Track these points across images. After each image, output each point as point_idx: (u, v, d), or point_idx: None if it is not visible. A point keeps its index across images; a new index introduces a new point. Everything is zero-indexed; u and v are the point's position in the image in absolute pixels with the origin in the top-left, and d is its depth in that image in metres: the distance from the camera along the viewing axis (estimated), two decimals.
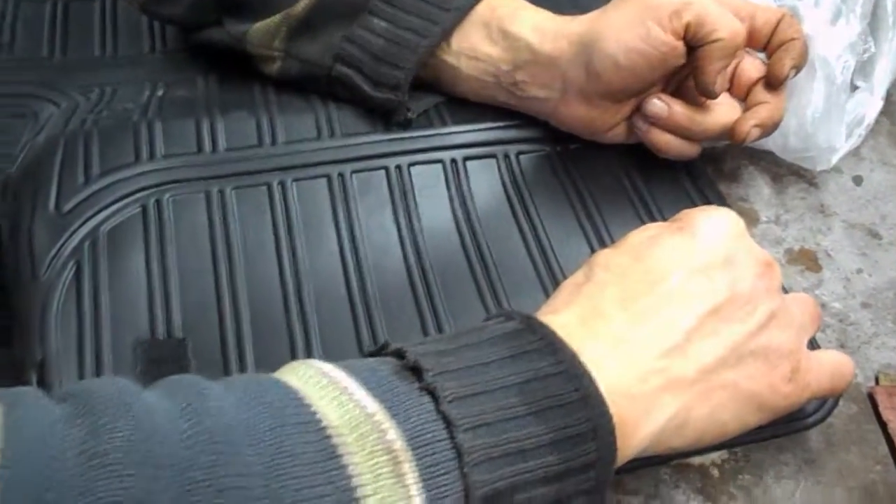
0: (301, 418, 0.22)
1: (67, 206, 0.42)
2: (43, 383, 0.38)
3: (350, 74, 0.45)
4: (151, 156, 0.44)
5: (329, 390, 0.23)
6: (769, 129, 0.43)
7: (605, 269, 0.31)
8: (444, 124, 0.47)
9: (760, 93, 0.43)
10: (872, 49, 0.48)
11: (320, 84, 0.47)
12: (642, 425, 0.28)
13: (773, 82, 0.43)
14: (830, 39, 0.44)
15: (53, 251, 0.40)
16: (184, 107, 0.47)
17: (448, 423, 0.23)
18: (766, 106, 0.43)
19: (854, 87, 0.49)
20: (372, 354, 0.27)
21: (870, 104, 0.48)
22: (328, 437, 0.22)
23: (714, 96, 0.42)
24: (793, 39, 0.43)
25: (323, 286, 0.41)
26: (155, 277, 0.41)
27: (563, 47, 0.42)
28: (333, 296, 0.41)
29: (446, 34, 0.44)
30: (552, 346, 0.27)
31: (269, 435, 0.21)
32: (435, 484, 0.22)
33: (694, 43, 0.40)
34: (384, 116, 0.46)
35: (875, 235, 0.45)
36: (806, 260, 0.44)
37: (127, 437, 0.19)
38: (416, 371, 0.25)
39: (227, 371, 0.39)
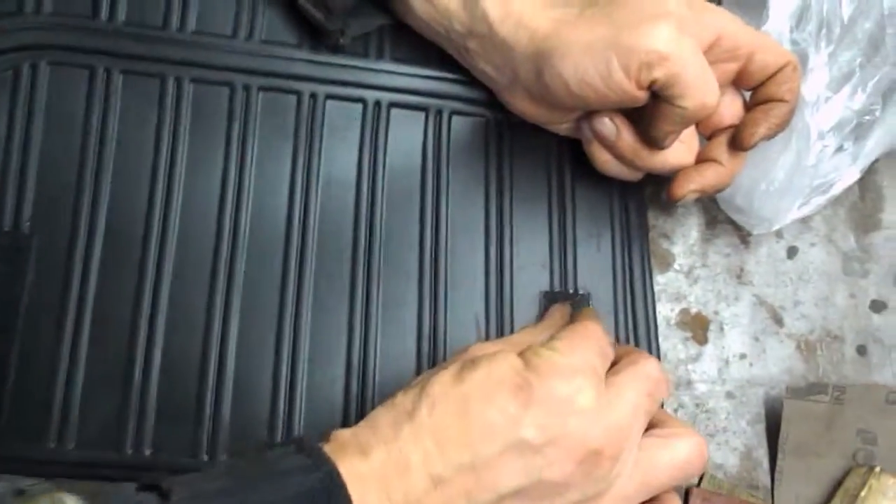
0: None
1: None
2: None
3: None
4: (38, 9, 0.41)
5: None
6: (710, 195, 0.41)
7: (431, 410, 0.31)
8: (380, 57, 0.44)
9: (719, 146, 0.41)
10: (878, 113, 0.44)
11: None
12: None
13: (736, 144, 0.40)
14: (823, 113, 0.41)
15: None
16: None
17: None
18: (716, 170, 0.40)
19: (838, 147, 0.45)
20: (155, 487, 0.28)
21: (846, 173, 0.45)
22: None
23: (660, 149, 0.39)
24: (780, 101, 0.39)
25: (192, 212, 0.41)
26: (13, 155, 0.40)
27: (521, 40, 0.38)
28: (201, 229, 0.42)
29: None
30: None
31: None
32: None
33: (657, 93, 0.36)
34: (313, 32, 0.42)
35: (778, 321, 0.45)
36: (696, 328, 0.44)
37: None
38: None
39: (67, 279, 0.39)
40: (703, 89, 0.36)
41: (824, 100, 0.42)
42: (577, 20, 0.38)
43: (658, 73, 0.36)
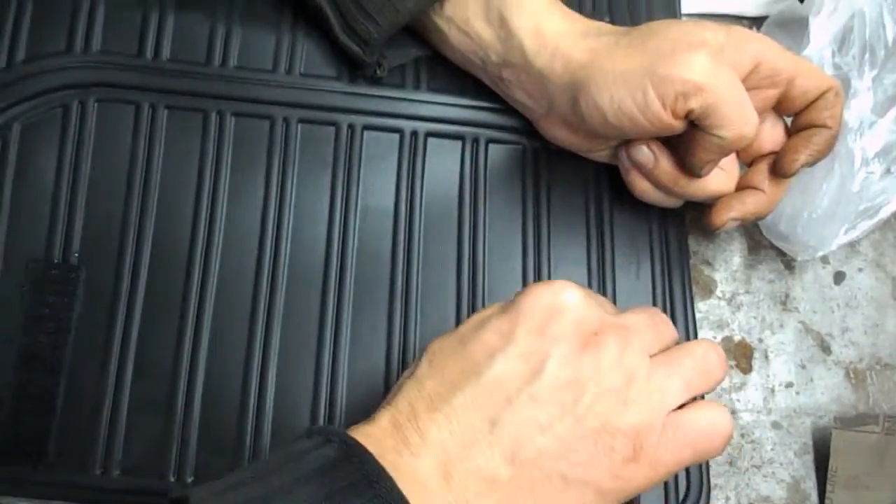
0: None
1: None
2: None
3: (323, 5, 0.42)
4: (86, 48, 0.43)
5: None
6: (751, 222, 0.41)
7: (430, 361, 0.33)
8: (417, 88, 0.45)
9: (760, 173, 0.40)
10: None
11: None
12: None
13: (777, 171, 0.39)
14: (867, 138, 0.40)
15: None
16: None
17: None
18: (757, 197, 0.40)
19: (885, 171, 0.44)
20: (176, 501, 0.29)
21: (894, 197, 0.44)
22: None
23: (698, 177, 0.39)
24: (822, 127, 0.39)
25: (234, 244, 0.43)
26: (63, 189, 0.42)
27: (556, 70, 0.39)
28: (242, 258, 0.42)
29: None
30: (368, 478, 0.28)
31: None
32: None
33: (694, 123, 0.36)
34: (351, 65, 0.43)
35: (825, 349, 0.44)
36: (740, 356, 0.43)
37: None
38: None
39: (113, 309, 0.40)
40: (740, 119, 0.36)
41: (868, 125, 0.41)
42: (612, 49, 0.38)
43: (694, 104, 0.36)
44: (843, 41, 0.43)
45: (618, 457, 0.31)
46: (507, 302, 0.34)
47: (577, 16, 0.41)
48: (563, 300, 0.32)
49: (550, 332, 0.31)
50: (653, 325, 0.34)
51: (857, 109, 0.42)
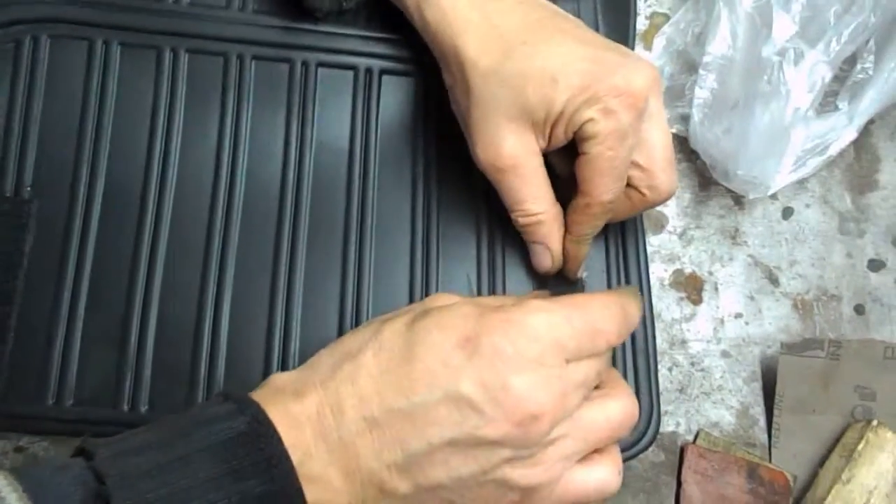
0: None
1: None
2: None
3: None
4: None
5: None
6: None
7: (377, 353, 0.32)
8: (369, 26, 0.45)
9: None
10: (871, 72, 0.45)
11: None
12: None
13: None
14: (793, 71, 0.41)
15: None
16: None
17: None
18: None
19: (834, 106, 0.46)
20: (81, 452, 0.29)
21: (842, 133, 0.45)
22: None
23: None
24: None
25: (188, 179, 0.43)
26: (15, 124, 0.42)
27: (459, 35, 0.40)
28: (197, 195, 0.43)
29: None
30: (270, 461, 0.29)
31: None
32: None
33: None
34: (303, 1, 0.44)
35: (773, 281, 0.45)
36: (690, 288, 0.44)
37: None
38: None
39: (66, 242, 0.40)
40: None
41: (796, 56, 0.42)
42: (491, 74, 0.39)
43: None
44: None
45: (506, 501, 0.32)
46: (473, 319, 0.32)
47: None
48: (523, 366, 0.31)
49: (496, 392, 0.31)
50: (598, 379, 0.34)
51: (780, 38, 0.42)
